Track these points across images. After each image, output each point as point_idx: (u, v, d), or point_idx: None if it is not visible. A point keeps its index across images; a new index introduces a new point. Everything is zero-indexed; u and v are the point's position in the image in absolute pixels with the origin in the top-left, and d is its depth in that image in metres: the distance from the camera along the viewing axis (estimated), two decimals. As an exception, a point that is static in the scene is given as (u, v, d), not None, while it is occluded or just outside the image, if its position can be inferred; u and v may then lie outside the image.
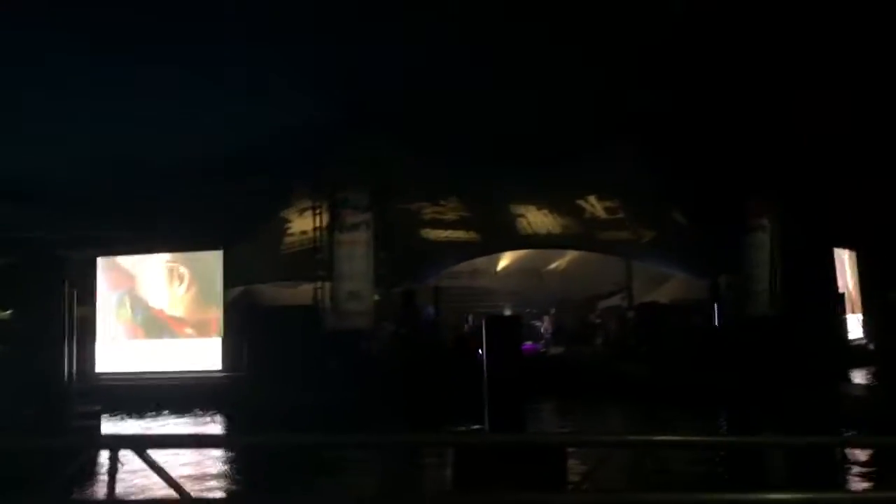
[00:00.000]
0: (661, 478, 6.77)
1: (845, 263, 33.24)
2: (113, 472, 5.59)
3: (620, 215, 34.74)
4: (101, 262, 25.78)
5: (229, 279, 25.77)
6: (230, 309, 25.43)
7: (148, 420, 19.65)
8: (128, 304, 25.22)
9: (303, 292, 28.11)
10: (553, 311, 29.41)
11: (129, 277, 25.47)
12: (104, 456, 5.83)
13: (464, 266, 31.93)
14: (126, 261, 25.99)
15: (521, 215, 33.91)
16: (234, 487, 11.98)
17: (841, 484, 10.83)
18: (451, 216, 33.04)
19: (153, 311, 25.05)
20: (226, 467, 12.83)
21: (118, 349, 24.84)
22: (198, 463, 12.59)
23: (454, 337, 26.77)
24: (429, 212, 33.03)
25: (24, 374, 19.19)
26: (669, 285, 32.98)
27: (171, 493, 5.73)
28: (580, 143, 36.69)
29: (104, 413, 18.26)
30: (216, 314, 24.69)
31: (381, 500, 7.21)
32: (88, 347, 23.42)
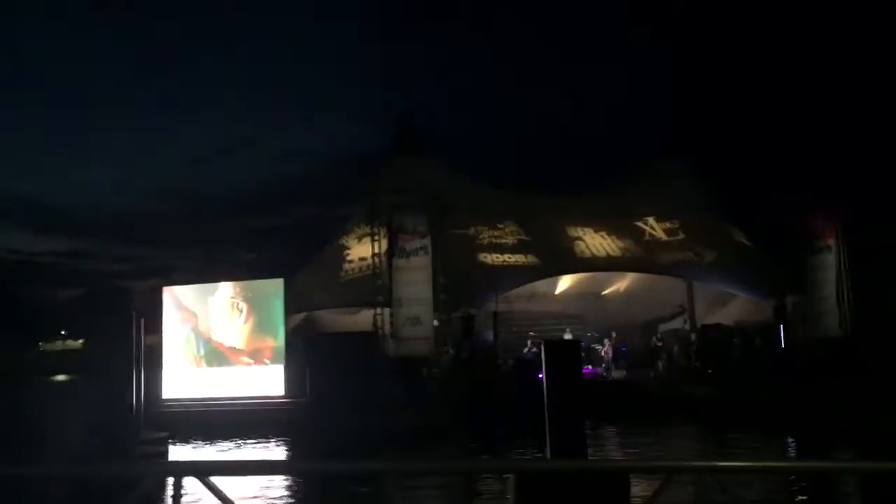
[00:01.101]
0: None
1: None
2: (177, 498, 5.64)
3: (681, 236, 34.27)
4: (167, 293, 26.29)
5: (290, 307, 26.05)
6: (292, 336, 25.71)
7: (214, 445, 19.88)
8: (192, 335, 25.66)
9: (363, 318, 28.28)
10: (613, 334, 29.02)
11: (193, 309, 25.91)
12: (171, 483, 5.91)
13: (522, 290, 31.79)
14: (189, 292, 26.48)
15: (580, 238, 33.68)
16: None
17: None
18: (509, 240, 32.99)
19: (216, 342, 25.42)
20: (290, 492, 12.91)
21: (184, 376, 25.26)
22: (266, 487, 12.68)
23: (513, 361, 26.60)
24: (486, 236, 33.04)
25: (93, 401, 19.69)
26: (732, 306, 32.30)
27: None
28: (638, 165, 36.44)
29: (171, 439, 18.60)
30: (277, 342, 24.95)
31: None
32: (155, 375, 23.87)
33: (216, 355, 25.37)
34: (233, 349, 25.34)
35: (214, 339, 25.47)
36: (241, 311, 25.40)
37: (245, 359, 25.14)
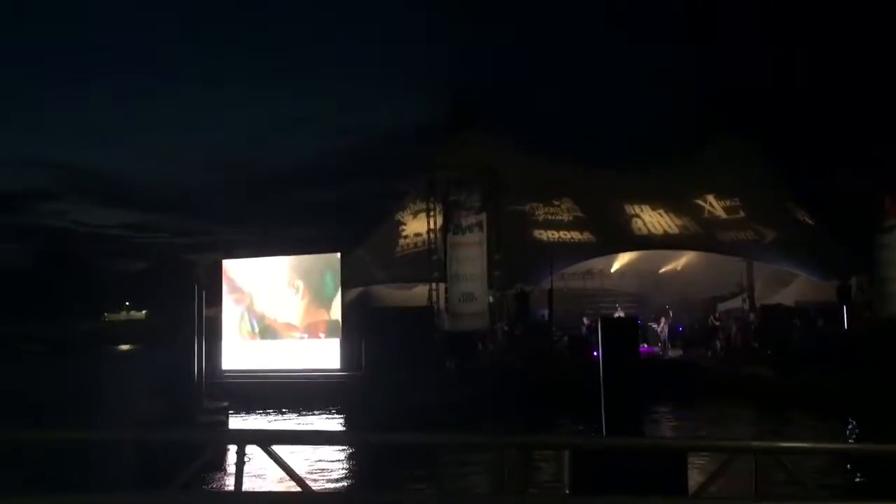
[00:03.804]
0: (789, 486, 6.47)
1: None
2: (240, 466, 5.78)
3: (741, 215, 33.60)
4: (226, 267, 26.71)
5: (346, 281, 26.28)
6: (348, 310, 25.95)
7: (271, 416, 20.27)
8: (248, 309, 26.05)
9: (418, 294, 28.45)
10: (670, 312, 28.66)
11: (250, 284, 26.27)
12: (231, 450, 6.06)
13: (577, 267, 31.55)
14: (247, 266, 26.87)
15: (637, 215, 33.25)
16: (352, 482, 12.22)
17: None
18: (565, 217, 32.73)
19: (270, 318, 25.75)
20: (344, 463, 13.11)
21: (241, 349, 25.73)
22: (318, 459, 12.90)
23: (568, 339, 26.49)
24: (542, 213, 32.81)
25: (158, 369, 20.23)
26: (793, 287, 31.63)
27: (292, 486, 5.89)
28: (698, 142, 35.79)
29: (230, 409, 19.02)
30: (332, 317, 25.20)
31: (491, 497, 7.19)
32: (215, 346, 24.38)
33: (271, 331, 25.75)
34: (288, 325, 25.66)
35: (269, 315, 25.84)
36: (297, 289, 25.67)
37: (298, 334, 25.48)
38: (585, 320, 27.68)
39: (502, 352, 24.69)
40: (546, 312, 26.89)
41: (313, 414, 20.29)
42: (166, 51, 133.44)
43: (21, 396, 21.34)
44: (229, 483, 7.30)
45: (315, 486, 7.25)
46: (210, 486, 9.18)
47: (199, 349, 18.74)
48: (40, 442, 6.50)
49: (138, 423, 14.06)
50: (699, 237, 32.54)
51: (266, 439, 5.86)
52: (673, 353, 27.38)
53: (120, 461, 8.73)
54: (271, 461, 5.80)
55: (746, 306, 30.31)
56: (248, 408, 20.53)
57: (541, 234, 31.87)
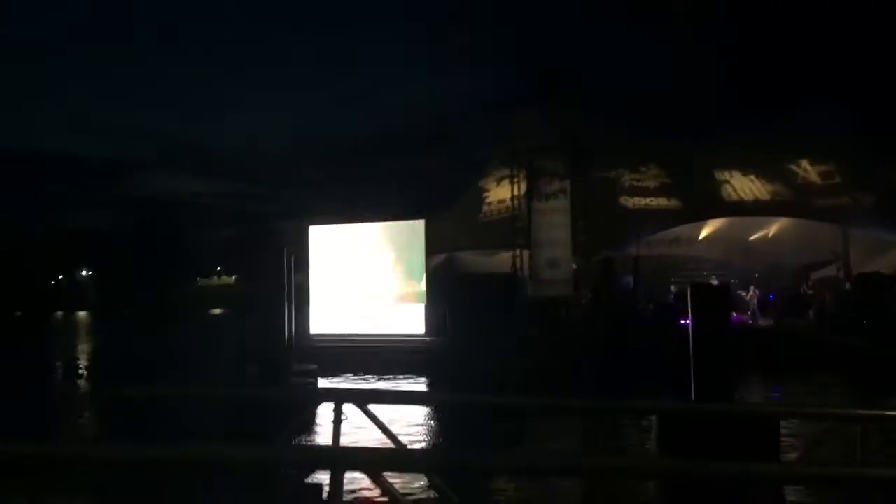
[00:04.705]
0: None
1: None
2: (337, 423, 5.98)
3: (837, 179, 32.41)
4: (313, 233, 27.17)
5: (431, 248, 26.48)
6: (432, 277, 26.17)
7: (357, 378, 20.73)
8: (336, 275, 26.47)
9: (501, 260, 28.49)
10: (760, 281, 27.96)
11: (338, 250, 26.66)
12: (323, 411, 6.26)
13: (664, 234, 31.04)
14: (334, 233, 27.29)
15: (726, 181, 32.45)
16: (444, 442, 12.50)
17: None
18: (651, 183, 32.23)
19: (362, 283, 26.09)
20: (435, 424, 13.38)
21: (329, 313, 26.25)
22: (409, 421, 13.19)
23: (654, 306, 26.15)
24: (628, 179, 32.38)
25: (248, 334, 20.93)
26: (893, 254, 30.39)
27: (387, 443, 6.06)
28: (792, 103, 34.56)
29: (318, 372, 19.55)
30: (418, 283, 25.44)
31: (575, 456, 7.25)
32: (304, 311, 25.00)
33: (359, 297, 26.11)
34: (377, 294, 25.90)
35: (357, 282, 26.16)
36: (388, 261, 25.83)
37: (387, 300, 25.78)
38: (673, 288, 27.27)
39: (586, 319, 24.57)
40: (631, 280, 26.59)
41: (400, 378, 20.65)
42: (251, 28, 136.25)
43: (127, 359, 22.41)
44: (325, 440, 7.55)
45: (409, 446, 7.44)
46: (308, 443, 9.50)
47: (288, 314, 19.32)
48: (149, 398, 6.86)
49: (231, 385, 14.60)
50: (792, 203, 31.60)
51: (363, 397, 6.04)
52: (763, 322, 26.75)
53: (219, 419, 9.08)
54: (366, 420, 5.99)
55: (841, 275, 29.31)
56: (334, 371, 21.03)
57: (627, 200, 31.51)
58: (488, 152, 35.35)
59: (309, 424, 9.67)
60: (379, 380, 20.51)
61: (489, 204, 33.49)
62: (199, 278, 77.78)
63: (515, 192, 27.77)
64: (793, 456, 8.14)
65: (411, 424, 13.06)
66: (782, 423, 8.59)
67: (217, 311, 47.87)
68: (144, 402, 7.22)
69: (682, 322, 19.72)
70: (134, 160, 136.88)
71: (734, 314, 25.87)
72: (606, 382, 18.27)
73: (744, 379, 17.83)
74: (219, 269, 76.44)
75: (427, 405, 13.32)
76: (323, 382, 19.34)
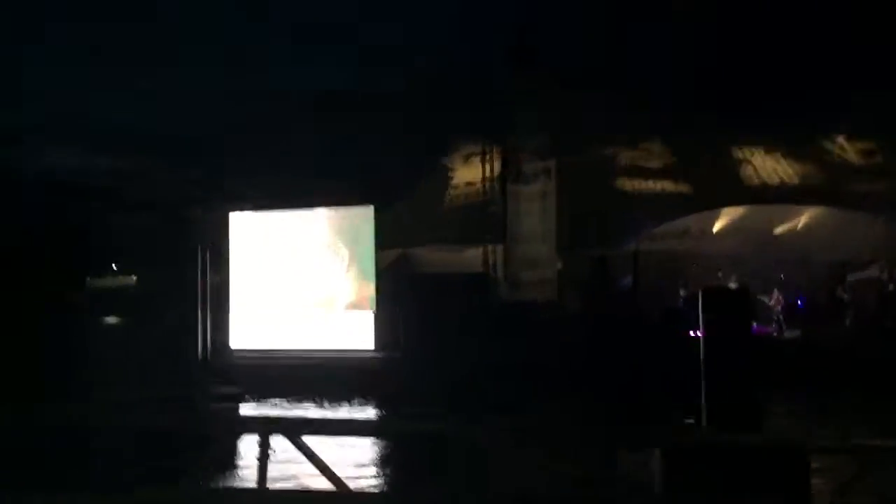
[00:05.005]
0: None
1: None
2: (264, 459, 5.97)
3: (880, 160, 32.99)
4: (236, 222, 26.91)
5: (381, 242, 26.43)
6: (383, 278, 26.14)
7: (291, 404, 20.65)
8: (267, 273, 26.33)
9: (470, 257, 28.58)
10: (787, 283, 28.38)
11: (268, 244, 26.50)
12: (248, 442, 6.25)
13: (671, 226, 31.31)
14: (264, 222, 27.11)
15: (747, 160, 32.87)
16: (388, 479, 12.51)
17: None
18: (654, 163, 32.50)
19: (300, 287, 25.95)
20: (378, 457, 13.39)
21: (254, 323, 26.07)
22: (343, 452, 13.18)
23: (659, 314, 26.37)
24: (626, 158, 32.63)
25: (152, 348, 20.74)
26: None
27: (324, 483, 6.07)
28: (826, 69, 35.02)
29: (241, 397, 19.46)
30: (369, 286, 25.34)
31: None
32: (223, 319, 24.84)
33: (293, 301, 25.95)
34: (315, 297, 25.78)
35: (292, 283, 26.01)
36: (341, 257, 25.68)
37: (328, 307, 25.68)
38: (682, 292, 27.55)
39: (574, 330, 24.72)
40: (630, 282, 26.85)
41: (343, 404, 20.61)
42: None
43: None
44: (249, 479, 7.52)
45: (352, 485, 7.45)
46: (227, 483, 9.46)
47: (203, 323, 19.22)
48: (28, 427, 6.76)
49: (136, 408, 14.45)
50: (827, 189, 32.06)
51: (296, 427, 6.04)
52: (790, 333, 27.17)
53: (114, 449, 8.99)
54: (299, 454, 5.99)
55: (885, 276, 29.86)
56: (261, 395, 20.92)
57: (624, 183, 31.74)
58: (455, 122, 35.35)
59: (227, 461, 9.62)
60: (317, 406, 20.46)
61: (454, 187, 33.55)
62: (89, 278, 76.73)
63: (487, 174, 27.88)
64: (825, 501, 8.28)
65: (357, 462, 13.06)
66: (813, 459, 8.73)
67: (112, 319, 47.24)
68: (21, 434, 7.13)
69: (693, 334, 19.89)
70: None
71: (755, 324, 26.27)
72: (601, 406, 18.41)
73: (765, 403, 18.06)
74: (115, 266, 75.48)
75: (376, 436, 13.33)
76: (247, 409, 19.25)
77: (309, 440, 6.17)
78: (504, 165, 27.27)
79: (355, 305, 25.42)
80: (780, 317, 27.53)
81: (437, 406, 18.01)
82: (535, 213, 26.17)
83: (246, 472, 9.34)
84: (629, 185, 31.74)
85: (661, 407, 16.29)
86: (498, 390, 19.23)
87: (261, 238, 26.63)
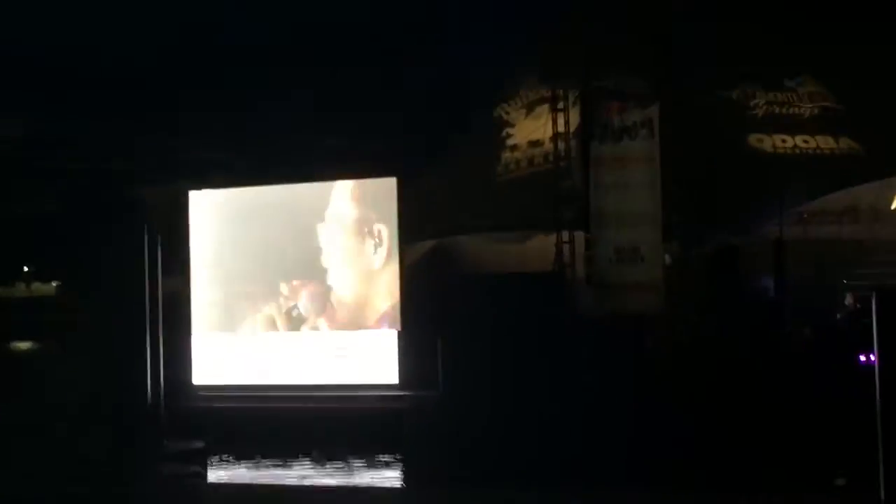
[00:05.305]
0: None
1: None
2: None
3: None
4: (199, 202, 27.05)
5: (410, 228, 26.44)
6: (411, 280, 26.13)
7: (276, 465, 20.72)
8: (242, 275, 26.44)
9: (535, 249, 28.49)
10: None
11: (250, 229, 26.61)
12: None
13: (829, 201, 31.07)
14: (236, 200, 27.23)
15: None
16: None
17: None
18: (805, 109, 32.31)
19: (283, 288, 26.08)
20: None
21: (229, 348, 26.18)
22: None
23: (812, 330, 26.19)
24: (763, 103, 32.47)
25: (80, 384, 20.87)
26: None
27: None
28: None
29: (208, 453, 19.55)
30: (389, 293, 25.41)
31: None
32: (182, 344, 24.98)
33: (279, 317, 26.04)
34: (312, 310, 25.88)
35: (278, 291, 26.14)
36: (330, 248, 25.75)
37: (331, 324, 25.75)
38: (849, 297, 27.30)
39: (688, 350, 24.58)
40: (772, 283, 26.66)
41: (355, 462, 20.64)
42: None
43: None
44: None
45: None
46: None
47: (153, 349, 19.29)
48: None
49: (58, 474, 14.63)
50: None
51: None
52: None
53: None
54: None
55: None
56: (237, 452, 21.02)
57: (761, 141, 31.59)
58: (513, 60, 35.27)
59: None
60: (313, 467, 20.51)
61: (513, 149, 33.50)
62: (-13, 286, 77.64)
63: (561, 128, 27.76)
64: None
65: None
66: None
67: (24, 344, 47.62)
68: None
69: (864, 358, 19.69)
70: None
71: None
72: (729, 469, 18.31)
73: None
74: (27, 268, 76.19)
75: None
76: (216, 472, 19.35)
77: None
78: (585, 116, 27.18)
79: (371, 321, 25.41)
80: None
81: (489, 475, 17.91)
82: (632, 185, 25.96)
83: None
84: (768, 141, 31.58)
85: (819, 469, 16.26)
86: (586, 453, 19.06)
87: (236, 225, 26.69)
